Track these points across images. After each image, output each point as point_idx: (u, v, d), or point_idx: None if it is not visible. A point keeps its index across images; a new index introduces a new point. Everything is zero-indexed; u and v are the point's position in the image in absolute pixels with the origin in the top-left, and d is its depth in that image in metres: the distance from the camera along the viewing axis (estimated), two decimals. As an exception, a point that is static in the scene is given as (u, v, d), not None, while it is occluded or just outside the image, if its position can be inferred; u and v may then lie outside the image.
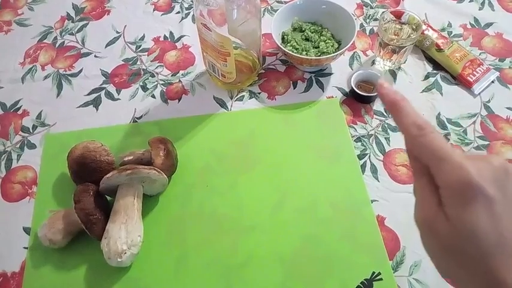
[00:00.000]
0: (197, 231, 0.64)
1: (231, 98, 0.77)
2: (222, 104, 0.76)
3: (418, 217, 0.31)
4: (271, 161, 0.70)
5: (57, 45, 0.86)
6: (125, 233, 0.58)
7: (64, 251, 0.62)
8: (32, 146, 0.73)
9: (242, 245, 0.62)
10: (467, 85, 0.77)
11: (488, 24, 0.85)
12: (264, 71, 0.80)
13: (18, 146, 0.73)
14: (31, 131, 0.75)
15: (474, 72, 0.77)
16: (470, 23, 0.86)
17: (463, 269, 0.29)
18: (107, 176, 0.59)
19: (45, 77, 0.81)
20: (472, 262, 0.28)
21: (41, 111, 0.77)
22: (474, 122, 0.73)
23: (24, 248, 0.63)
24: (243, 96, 0.77)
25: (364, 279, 0.59)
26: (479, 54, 0.81)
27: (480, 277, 0.28)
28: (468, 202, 0.28)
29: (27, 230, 0.64)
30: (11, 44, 0.87)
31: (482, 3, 0.89)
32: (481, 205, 0.27)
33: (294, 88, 0.78)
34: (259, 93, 0.77)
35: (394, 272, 0.59)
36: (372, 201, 0.65)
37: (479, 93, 0.76)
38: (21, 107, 0.78)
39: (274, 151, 0.71)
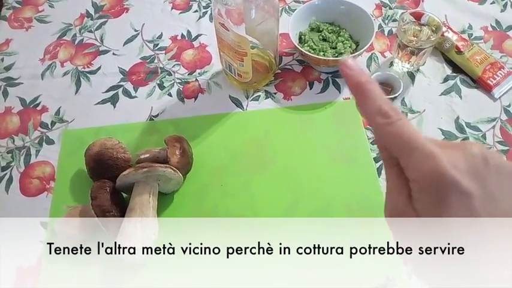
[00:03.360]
0: (211, 230, 0.64)
1: (247, 98, 0.77)
2: (238, 104, 0.76)
3: (386, 211, 0.28)
4: (286, 162, 0.69)
5: (76, 42, 0.88)
6: (140, 230, 0.58)
7: (80, 247, 0.62)
8: (51, 142, 0.74)
9: (255, 246, 0.62)
10: (487, 89, 0.75)
11: (510, 27, 0.83)
12: (280, 71, 0.80)
13: (37, 141, 0.74)
14: (50, 127, 0.76)
15: (494, 76, 0.75)
16: (491, 25, 0.84)
17: (438, 270, 0.26)
18: (124, 173, 0.60)
19: (64, 74, 0.83)
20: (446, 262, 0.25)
21: (59, 108, 0.78)
22: (494, 127, 0.72)
23: (41, 242, 0.64)
24: (259, 96, 0.77)
25: (379, 284, 0.58)
26: (500, 58, 0.79)
27: (458, 277, 0.25)
28: (442, 198, 0.24)
29: (44, 225, 0.66)
30: (31, 41, 0.88)
31: (505, 5, 0.87)
32: (457, 202, 0.24)
33: (310, 89, 0.78)
34: (275, 93, 0.77)
35: (409, 278, 0.59)
36: (388, 204, 0.64)
37: (499, 97, 0.75)
38: (40, 103, 0.79)
39: (289, 152, 0.70)
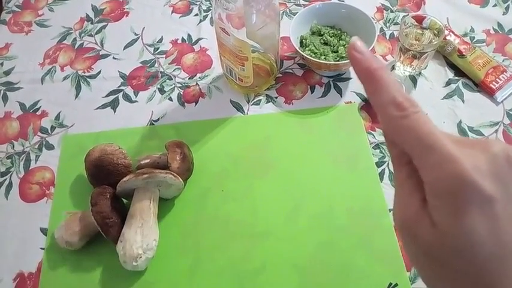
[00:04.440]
0: (212, 236, 0.63)
1: (248, 102, 0.77)
2: (239, 108, 0.76)
3: (396, 217, 0.25)
4: (287, 166, 0.69)
5: (76, 46, 0.87)
6: (141, 237, 0.58)
7: (80, 253, 0.62)
8: (50, 147, 0.73)
9: (256, 251, 0.62)
10: (489, 92, 0.75)
11: (513, 30, 0.83)
12: (281, 75, 0.80)
13: (36, 146, 0.74)
14: (49, 131, 0.75)
15: (497, 79, 0.75)
16: (493, 28, 0.84)
17: (451, 281, 0.24)
18: (124, 179, 0.59)
19: (64, 78, 0.82)
20: (463, 277, 0.23)
21: (59, 112, 0.77)
22: (496, 131, 0.71)
23: (41, 248, 0.63)
24: (260, 100, 0.77)
25: (381, 290, 0.58)
26: (503, 61, 0.79)
27: None
28: (461, 206, 0.22)
29: (44, 231, 0.65)
30: (31, 45, 0.88)
31: (507, 8, 0.87)
32: (478, 209, 0.22)
33: (312, 93, 0.77)
34: (276, 98, 0.77)
35: (411, 284, 0.58)
36: (390, 210, 0.64)
37: (502, 101, 0.74)
38: (40, 107, 0.78)
39: (291, 156, 0.70)
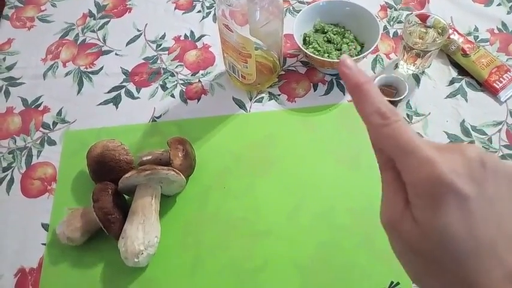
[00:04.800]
0: (213, 233, 0.63)
1: (250, 100, 0.76)
2: (241, 105, 0.76)
3: (383, 216, 0.28)
4: (290, 164, 0.69)
5: (78, 42, 0.87)
6: (142, 233, 0.58)
7: (81, 249, 0.62)
8: (52, 143, 0.73)
9: (257, 249, 0.62)
10: (493, 92, 0.74)
11: (517, 29, 0.83)
12: (284, 73, 0.79)
13: (38, 142, 0.74)
14: (51, 127, 0.75)
15: (501, 79, 0.74)
16: (497, 28, 0.83)
17: (434, 277, 0.26)
18: (126, 175, 0.59)
19: (67, 74, 0.82)
20: (444, 269, 0.25)
21: (61, 108, 0.77)
22: (500, 130, 0.71)
23: (42, 244, 0.63)
24: (263, 97, 0.76)
25: (383, 289, 0.58)
26: (507, 60, 0.78)
27: (454, 285, 0.25)
28: (438, 203, 0.24)
29: (45, 227, 0.65)
30: (33, 40, 0.88)
31: (511, 7, 0.86)
32: (454, 205, 0.24)
33: (315, 91, 0.77)
34: (278, 95, 0.77)
35: (413, 283, 0.58)
36: (392, 209, 0.64)
37: (505, 101, 0.74)
38: (42, 103, 0.78)
39: (293, 154, 0.70)
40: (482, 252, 0.24)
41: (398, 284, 0.58)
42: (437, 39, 0.73)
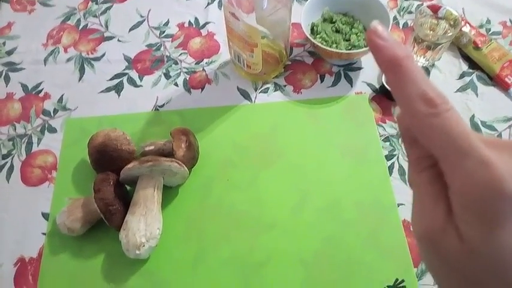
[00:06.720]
0: (216, 226, 0.62)
1: (255, 90, 0.75)
2: (246, 96, 0.74)
3: (417, 228, 0.23)
4: (294, 157, 0.67)
5: (80, 27, 0.85)
6: (144, 225, 0.56)
7: (82, 239, 0.61)
8: (53, 130, 0.72)
9: (261, 243, 0.61)
10: (504, 87, 0.73)
11: (530, 22, 0.81)
12: (290, 63, 0.78)
13: (39, 129, 0.72)
14: (52, 114, 0.74)
15: (513, 73, 0.73)
16: (510, 20, 0.81)
17: None
18: (128, 166, 0.58)
19: (68, 60, 0.80)
20: None
21: (62, 95, 0.76)
22: (510, 126, 0.69)
23: (43, 233, 0.63)
24: (268, 88, 0.75)
25: (387, 286, 0.57)
26: (519, 54, 0.76)
27: None
28: (496, 218, 0.19)
29: (45, 216, 0.64)
30: (34, 25, 0.86)
31: (525, -1, 0.84)
32: None
33: (321, 82, 0.75)
34: (284, 86, 0.75)
35: (418, 280, 0.57)
36: (399, 204, 0.62)
37: (517, 96, 0.72)
38: (42, 89, 0.77)
39: (298, 147, 0.68)
40: None
41: (403, 281, 0.57)
42: (448, 31, 0.71)
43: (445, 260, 0.22)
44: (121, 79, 0.77)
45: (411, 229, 0.24)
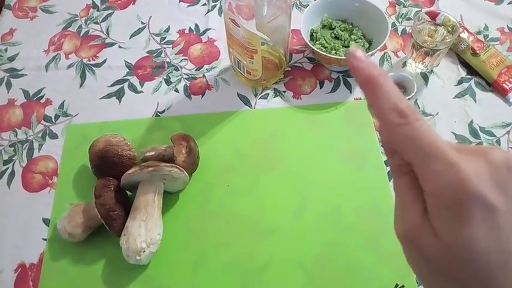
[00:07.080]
0: (216, 231, 0.62)
1: (255, 96, 0.75)
2: (246, 102, 0.75)
3: (398, 227, 0.25)
4: (294, 162, 0.68)
5: (81, 33, 0.85)
6: (145, 230, 0.57)
7: (82, 245, 0.61)
8: (54, 136, 0.72)
9: (261, 248, 0.61)
10: (502, 92, 0.73)
11: (528, 29, 0.81)
12: (290, 69, 0.78)
13: (40, 135, 0.73)
14: (53, 120, 0.74)
15: (510, 79, 0.73)
16: (508, 27, 0.82)
17: None
18: (129, 172, 0.58)
19: (69, 66, 0.81)
20: (467, 286, 0.23)
21: (63, 101, 0.76)
22: (508, 132, 0.70)
23: (43, 239, 0.63)
24: (268, 94, 0.75)
25: (387, 291, 0.57)
26: (517, 60, 0.77)
27: None
28: (464, 215, 0.21)
29: (46, 221, 0.64)
30: (35, 31, 0.86)
31: (522, 6, 0.85)
32: (481, 218, 0.21)
33: (321, 88, 0.76)
34: (284, 92, 0.75)
35: (418, 286, 0.57)
36: (398, 210, 0.63)
37: (515, 102, 0.73)
38: (44, 95, 0.77)
39: (298, 152, 0.69)
40: (510, 266, 0.22)
41: (403, 286, 0.57)
42: (447, 37, 0.71)
43: (425, 257, 0.24)
44: (122, 85, 0.78)
45: (394, 230, 0.26)
